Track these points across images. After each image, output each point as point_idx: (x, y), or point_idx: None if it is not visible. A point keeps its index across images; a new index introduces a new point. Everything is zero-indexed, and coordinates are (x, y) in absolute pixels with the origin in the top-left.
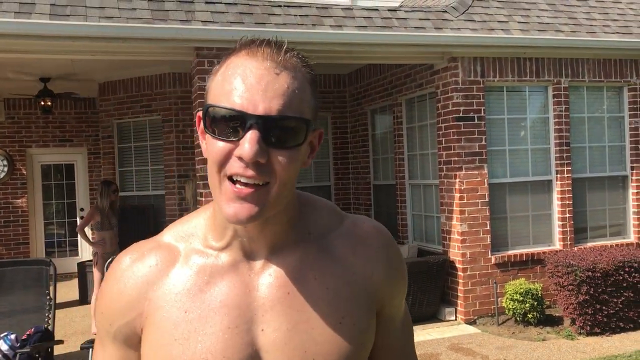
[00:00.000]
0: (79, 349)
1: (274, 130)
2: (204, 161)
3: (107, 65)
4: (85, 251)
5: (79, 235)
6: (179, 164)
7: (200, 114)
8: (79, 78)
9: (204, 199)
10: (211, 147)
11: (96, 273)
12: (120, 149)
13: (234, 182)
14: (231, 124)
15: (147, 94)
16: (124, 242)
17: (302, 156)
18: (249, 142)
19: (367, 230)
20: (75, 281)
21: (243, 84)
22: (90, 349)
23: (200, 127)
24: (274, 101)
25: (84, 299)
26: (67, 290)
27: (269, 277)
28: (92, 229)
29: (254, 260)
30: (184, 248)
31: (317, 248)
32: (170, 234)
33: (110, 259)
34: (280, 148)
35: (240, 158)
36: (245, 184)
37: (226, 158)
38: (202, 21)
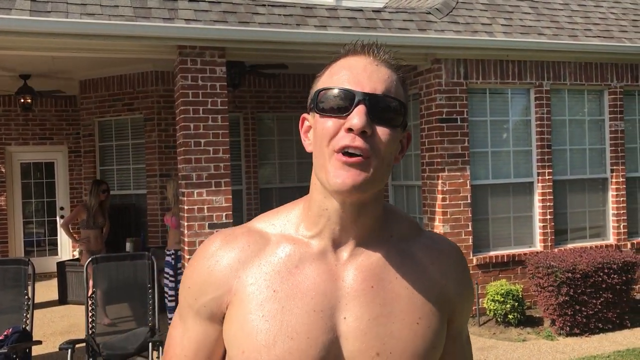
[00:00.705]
0: (58, 349)
1: (378, 107)
2: (186, 160)
3: (88, 63)
4: (65, 250)
5: (61, 231)
6: (161, 163)
7: (304, 115)
8: (59, 75)
9: (185, 198)
10: (321, 125)
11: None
12: (102, 148)
13: (342, 154)
14: (341, 102)
15: (129, 92)
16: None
17: (397, 143)
18: (358, 114)
19: (445, 245)
20: (55, 281)
21: (350, 72)
22: (70, 349)
23: (303, 127)
24: (378, 84)
25: (63, 299)
26: (46, 290)
27: (354, 269)
28: (78, 227)
29: (341, 252)
30: (275, 234)
31: (399, 251)
32: (261, 222)
33: (92, 257)
34: (382, 124)
35: (349, 130)
36: (352, 155)
37: (335, 133)
38: (185, 19)
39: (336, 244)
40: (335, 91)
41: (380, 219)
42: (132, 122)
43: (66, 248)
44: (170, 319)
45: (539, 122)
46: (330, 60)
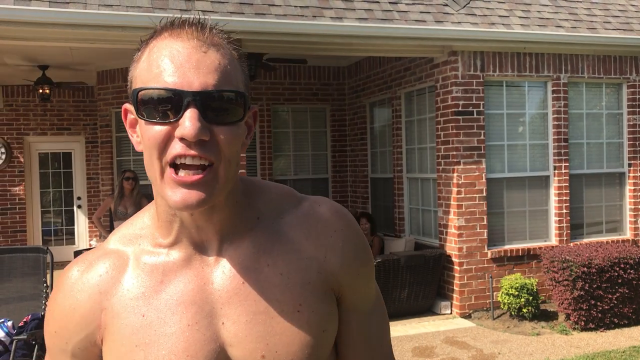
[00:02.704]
0: None
1: (213, 106)
2: None
3: (106, 54)
4: (82, 240)
5: (78, 220)
6: None
7: (126, 105)
8: (77, 66)
9: None
10: (147, 133)
11: None
12: (118, 138)
13: (176, 168)
14: (166, 105)
15: None
16: None
17: (242, 135)
18: (189, 120)
19: (322, 213)
20: None
21: (172, 64)
22: None
23: (128, 120)
24: (209, 77)
25: None
26: None
27: (222, 269)
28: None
29: (206, 254)
30: (133, 251)
31: (268, 233)
32: (116, 239)
33: None
34: (221, 124)
35: (182, 139)
36: (189, 168)
37: (165, 142)
38: (201, 11)
39: (199, 247)
40: (157, 93)
41: (240, 204)
42: None
43: (83, 237)
44: None
45: (556, 116)
46: (149, 36)
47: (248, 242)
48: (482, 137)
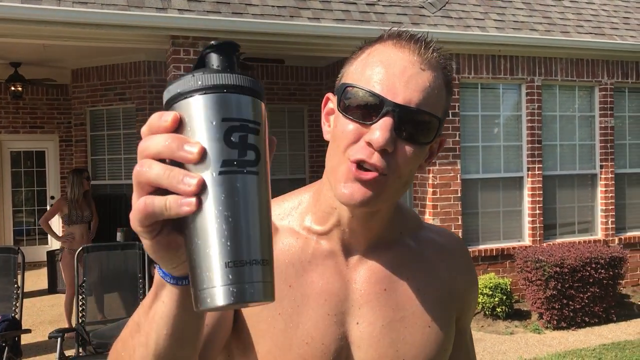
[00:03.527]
0: (47, 338)
1: (408, 122)
2: None
3: (80, 52)
4: (55, 240)
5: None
6: None
7: (329, 94)
8: (51, 64)
9: None
10: (341, 126)
11: (63, 269)
12: (93, 137)
13: (356, 165)
14: (367, 107)
15: (121, 81)
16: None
17: (422, 156)
18: (381, 129)
19: (450, 238)
20: (45, 270)
21: (386, 72)
22: (59, 338)
23: (326, 108)
24: (414, 94)
25: (52, 288)
26: (36, 279)
27: (365, 272)
28: (63, 223)
29: (350, 254)
30: (282, 225)
31: (408, 249)
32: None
33: (83, 246)
34: (408, 142)
35: (369, 143)
36: (367, 170)
37: (354, 140)
38: (178, 9)
39: (345, 246)
40: (362, 93)
41: (392, 219)
42: (123, 111)
43: None
44: None
45: (529, 118)
46: (374, 40)
47: (392, 253)
48: (457, 139)
